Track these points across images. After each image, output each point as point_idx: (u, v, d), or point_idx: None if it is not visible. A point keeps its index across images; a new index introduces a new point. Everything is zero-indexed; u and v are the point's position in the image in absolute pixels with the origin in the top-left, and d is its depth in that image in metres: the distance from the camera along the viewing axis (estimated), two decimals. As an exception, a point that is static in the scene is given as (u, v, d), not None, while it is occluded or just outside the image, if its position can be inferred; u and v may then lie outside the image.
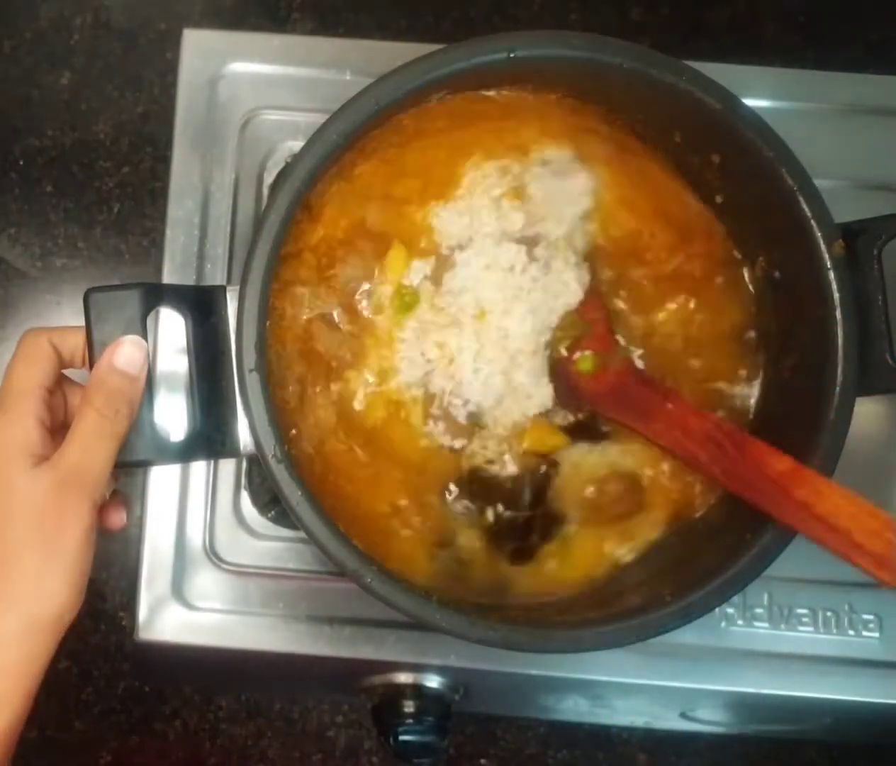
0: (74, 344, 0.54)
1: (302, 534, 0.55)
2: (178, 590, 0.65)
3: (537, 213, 0.61)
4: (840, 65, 0.72)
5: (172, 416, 0.54)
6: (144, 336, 0.53)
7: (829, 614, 0.65)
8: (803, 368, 0.58)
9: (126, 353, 0.52)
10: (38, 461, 0.50)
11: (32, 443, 0.50)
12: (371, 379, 0.59)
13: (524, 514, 0.60)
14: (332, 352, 0.59)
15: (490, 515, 0.60)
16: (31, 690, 0.49)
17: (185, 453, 0.54)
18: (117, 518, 0.56)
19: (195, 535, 0.65)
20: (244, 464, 0.66)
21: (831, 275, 0.55)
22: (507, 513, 0.60)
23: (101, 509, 0.56)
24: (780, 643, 0.65)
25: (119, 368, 0.52)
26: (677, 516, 0.60)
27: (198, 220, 0.68)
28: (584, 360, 0.60)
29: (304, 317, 0.59)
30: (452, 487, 0.60)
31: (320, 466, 0.58)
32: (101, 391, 0.51)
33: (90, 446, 0.50)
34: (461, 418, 0.60)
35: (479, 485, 0.60)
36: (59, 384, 0.54)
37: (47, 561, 0.49)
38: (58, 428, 0.53)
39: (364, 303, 0.60)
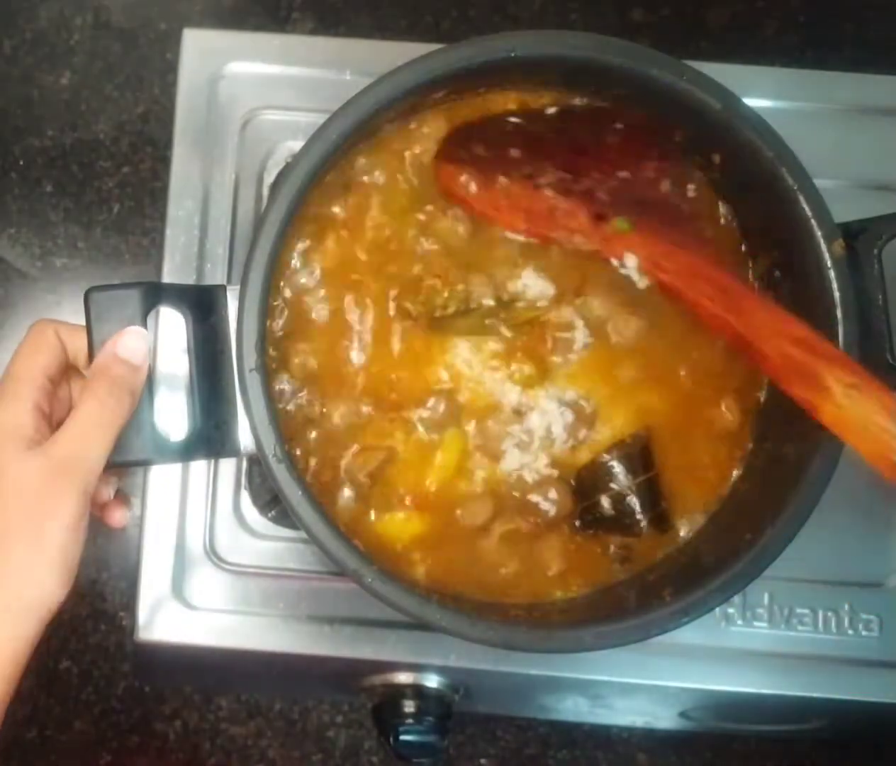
0: (80, 344, 0.54)
1: (302, 534, 0.55)
2: (178, 590, 0.65)
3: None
4: (840, 65, 0.72)
5: (172, 416, 0.54)
6: None
7: (829, 614, 0.65)
8: (803, 368, 0.58)
9: (129, 342, 0.52)
10: (32, 446, 0.50)
11: (26, 427, 0.50)
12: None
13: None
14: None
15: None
16: (12, 675, 0.49)
17: (185, 452, 0.54)
18: (119, 516, 0.56)
19: (195, 535, 0.65)
20: (244, 464, 0.66)
21: (831, 275, 0.55)
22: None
23: (104, 507, 0.56)
24: (780, 643, 0.65)
25: (122, 357, 0.52)
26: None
27: (198, 220, 0.68)
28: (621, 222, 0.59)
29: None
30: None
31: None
32: (104, 380, 0.51)
33: (86, 433, 0.50)
34: None
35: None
36: (65, 377, 0.54)
37: (33, 547, 0.49)
38: (63, 420, 0.52)
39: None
